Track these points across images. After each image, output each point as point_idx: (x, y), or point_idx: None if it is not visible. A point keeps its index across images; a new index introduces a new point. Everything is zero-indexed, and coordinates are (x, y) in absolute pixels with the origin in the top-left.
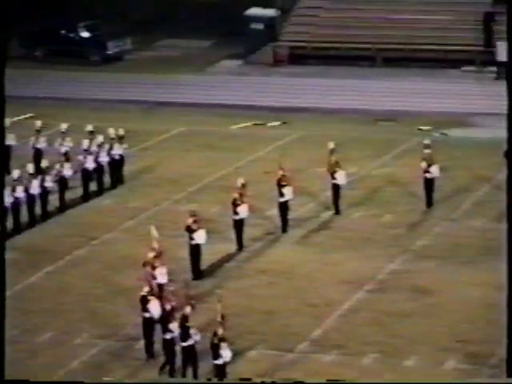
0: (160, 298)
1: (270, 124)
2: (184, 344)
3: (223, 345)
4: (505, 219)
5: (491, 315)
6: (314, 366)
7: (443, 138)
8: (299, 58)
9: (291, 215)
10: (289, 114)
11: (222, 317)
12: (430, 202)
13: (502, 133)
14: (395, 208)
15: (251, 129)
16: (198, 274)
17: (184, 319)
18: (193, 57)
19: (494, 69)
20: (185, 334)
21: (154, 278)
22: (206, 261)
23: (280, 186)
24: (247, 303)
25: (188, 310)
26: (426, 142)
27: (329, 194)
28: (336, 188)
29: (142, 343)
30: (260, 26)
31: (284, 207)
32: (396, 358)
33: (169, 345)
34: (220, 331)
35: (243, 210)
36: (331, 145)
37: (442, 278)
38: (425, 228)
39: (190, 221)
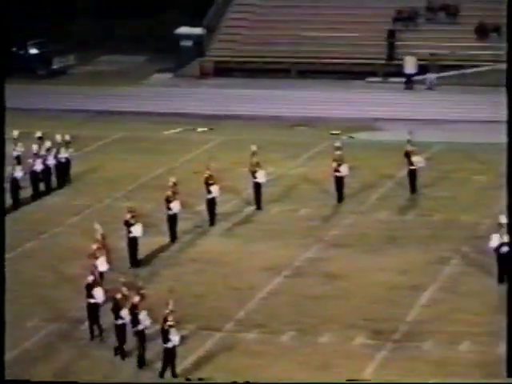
0: (101, 284)
1: (198, 130)
2: (135, 329)
3: (172, 330)
4: (406, 211)
5: (394, 297)
6: (238, 343)
7: (351, 141)
8: (224, 71)
9: (218, 210)
10: (215, 121)
11: (173, 310)
12: (340, 198)
13: (402, 136)
14: (310, 203)
15: (182, 134)
16: (135, 263)
17: (134, 307)
18: (129, 71)
19: (396, 79)
20: (135, 320)
21: (96, 267)
22: (142, 251)
23: (207, 184)
24: (179, 288)
25: (137, 298)
26: (337, 144)
27: (251, 191)
28: (257, 186)
29: (86, 325)
30: (189, 43)
31: (211, 203)
32: (311, 336)
33: (120, 330)
34: (170, 318)
35: (175, 206)
36: (253, 148)
37: (352, 264)
38: (336, 220)
39: (128, 216)
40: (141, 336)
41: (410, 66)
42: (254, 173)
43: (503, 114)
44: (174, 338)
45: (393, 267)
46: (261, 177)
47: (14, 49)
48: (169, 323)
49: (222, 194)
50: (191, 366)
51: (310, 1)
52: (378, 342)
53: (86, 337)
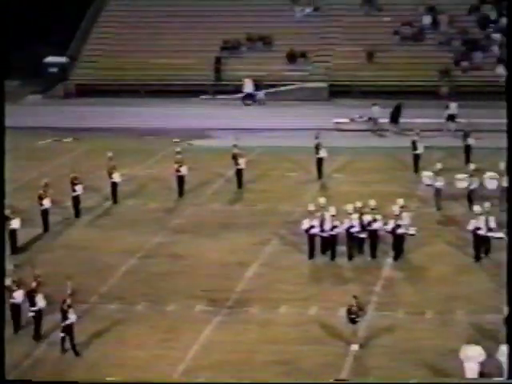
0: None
1: (65, 140)
2: (32, 309)
3: (70, 310)
4: (235, 203)
5: (226, 272)
6: (102, 313)
7: (189, 147)
8: (84, 92)
9: (82, 205)
10: (78, 133)
11: (73, 291)
12: (181, 193)
13: (230, 142)
14: (157, 198)
15: (52, 144)
16: (15, 250)
17: (31, 291)
18: (6, 93)
19: (225, 96)
20: (32, 302)
21: None
22: (21, 240)
23: (73, 184)
24: (53, 270)
25: (34, 284)
26: (177, 149)
27: (109, 189)
28: (114, 185)
29: None
30: (55, 70)
31: (76, 199)
32: (160, 305)
33: (14, 309)
34: (69, 300)
35: (47, 203)
36: (109, 154)
37: (192, 246)
38: (178, 211)
39: (7, 212)
40: (37, 315)
41: (248, 86)
42: (110, 174)
43: (309, 123)
44: (72, 317)
45: (225, 248)
46: (116, 177)
47: None
48: (67, 304)
49: (86, 191)
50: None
51: (154, 33)
52: (215, 308)
53: None
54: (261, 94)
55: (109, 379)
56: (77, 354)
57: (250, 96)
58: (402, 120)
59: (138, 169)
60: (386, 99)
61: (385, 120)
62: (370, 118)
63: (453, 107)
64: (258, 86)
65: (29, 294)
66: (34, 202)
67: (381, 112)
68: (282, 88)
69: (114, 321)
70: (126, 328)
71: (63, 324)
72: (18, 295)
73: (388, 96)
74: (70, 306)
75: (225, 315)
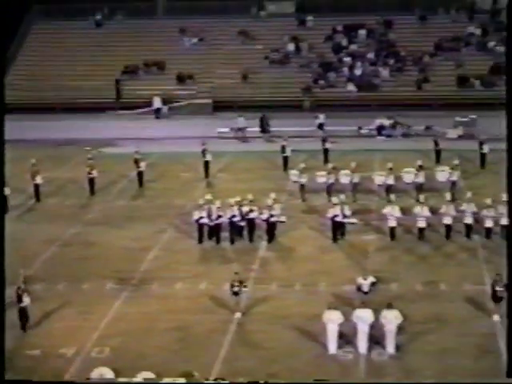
0: None
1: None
2: (20, 305)
3: (25, 294)
4: (137, 199)
5: (131, 255)
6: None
7: (99, 154)
8: (11, 110)
9: (10, 203)
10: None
11: (25, 279)
12: (92, 192)
13: (132, 149)
14: (73, 196)
15: None
16: None
17: (19, 290)
18: None
19: (127, 112)
20: (19, 300)
21: None
22: None
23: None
24: None
25: (22, 284)
26: (89, 156)
27: (32, 190)
28: (36, 186)
29: None
30: None
31: (4, 199)
32: (77, 284)
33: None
34: (22, 286)
35: None
36: (32, 160)
37: (103, 236)
38: (90, 207)
39: None
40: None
41: (157, 102)
42: (33, 177)
43: (197, 133)
44: (26, 300)
45: (130, 236)
46: (39, 180)
47: None
48: (22, 289)
49: (13, 192)
50: None
51: (69, 60)
52: (122, 286)
53: None
54: (165, 109)
55: (35, 351)
56: (25, 330)
57: (158, 110)
58: (271, 129)
59: (56, 173)
60: (259, 112)
61: (253, 129)
62: (238, 128)
63: (321, 117)
64: (164, 102)
65: (17, 293)
66: None
67: (246, 122)
68: (175, 104)
69: (38, 298)
70: (49, 304)
71: (19, 306)
72: (27, 299)
73: (261, 109)
74: (24, 291)
75: (131, 291)
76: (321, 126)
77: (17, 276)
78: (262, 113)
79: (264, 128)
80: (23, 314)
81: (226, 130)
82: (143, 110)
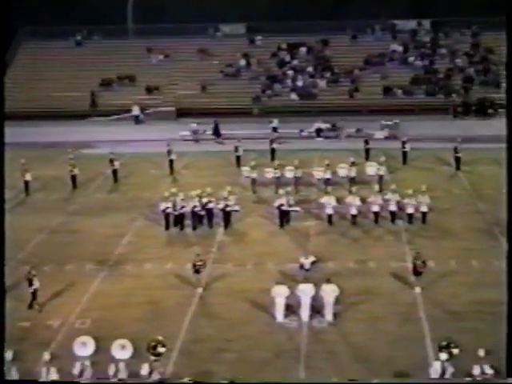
0: None
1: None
2: (31, 289)
3: (35, 278)
4: (113, 192)
5: (108, 241)
6: (19, 273)
7: (79, 154)
8: None
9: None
10: None
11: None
12: (74, 187)
13: (108, 150)
14: (57, 191)
15: None
16: None
17: (29, 274)
18: None
19: (102, 118)
20: (30, 283)
21: None
22: None
23: None
24: None
25: (31, 270)
26: (71, 156)
27: (22, 186)
28: (26, 183)
29: None
30: None
31: None
32: (61, 266)
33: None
34: (33, 272)
35: None
36: (22, 160)
37: (84, 224)
38: (73, 200)
39: None
40: (34, 292)
41: (135, 109)
42: (23, 175)
43: (163, 136)
44: (36, 283)
45: (107, 224)
46: (28, 177)
47: None
48: (32, 274)
49: (6, 188)
50: None
51: (53, 74)
52: (100, 267)
53: None
54: (141, 116)
55: (25, 323)
56: (31, 307)
57: (137, 117)
58: (224, 132)
59: (42, 171)
60: (215, 118)
61: (209, 132)
62: (193, 131)
63: (275, 122)
64: (142, 110)
65: (28, 277)
66: None
67: (198, 127)
68: (146, 111)
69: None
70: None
71: (30, 289)
72: (37, 283)
73: (217, 116)
74: (34, 275)
75: (108, 271)
76: (275, 129)
77: (8, 259)
78: (214, 119)
79: (216, 132)
80: (34, 295)
81: (187, 133)
82: (119, 116)
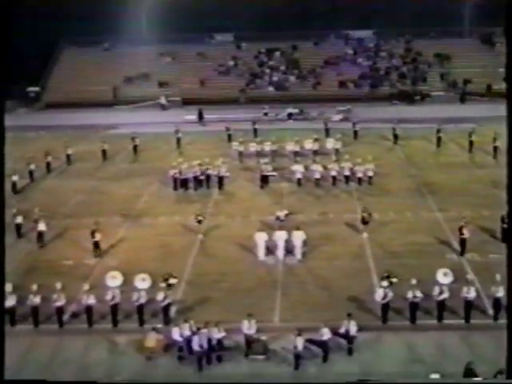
0: None
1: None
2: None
3: (40, 220)
4: (134, 162)
5: (129, 199)
6: (60, 224)
7: (109, 133)
8: (50, 106)
9: (51, 166)
10: (48, 128)
11: (39, 213)
12: (104, 159)
13: (143, 130)
14: (91, 162)
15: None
16: (15, 192)
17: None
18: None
19: (143, 104)
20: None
21: None
22: (19, 186)
23: (46, 156)
24: (36, 202)
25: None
26: (101, 135)
27: (65, 158)
28: (68, 156)
29: None
30: (33, 94)
31: (48, 164)
32: (95, 218)
33: (40, 235)
34: (38, 214)
35: (33, 167)
36: (65, 139)
37: (110, 187)
38: (103, 169)
39: (15, 178)
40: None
41: (162, 99)
42: (66, 150)
43: (172, 119)
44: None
45: (130, 187)
46: (70, 151)
47: None
48: (95, 227)
49: (53, 159)
50: None
51: (89, 73)
52: (124, 219)
53: None
54: (167, 104)
55: (69, 261)
56: (42, 246)
57: (163, 105)
58: (218, 116)
59: (80, 146)
60: (211, 105)
61: (209, 116)
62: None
63: (267, 108)
64: (167, 99)
65: (92, 230)
66: (23, 167)
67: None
68: (157, 101)
69: (67, 228)
70: (78, 231)
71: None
72: (42, 225)
73: (212, 104)
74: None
75: (130, 222)
76: (266, 114)
77: (55, 213)
78: (199, 107)
79: (200, 117)
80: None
81: (191, 117)
82: (144, 103)
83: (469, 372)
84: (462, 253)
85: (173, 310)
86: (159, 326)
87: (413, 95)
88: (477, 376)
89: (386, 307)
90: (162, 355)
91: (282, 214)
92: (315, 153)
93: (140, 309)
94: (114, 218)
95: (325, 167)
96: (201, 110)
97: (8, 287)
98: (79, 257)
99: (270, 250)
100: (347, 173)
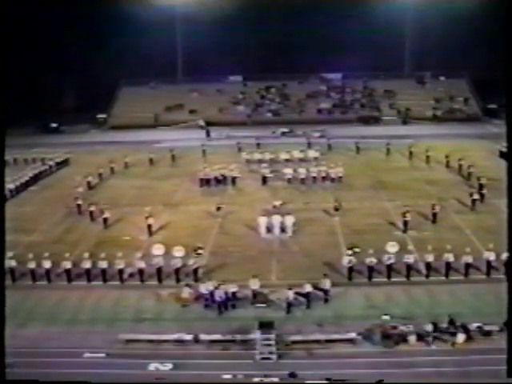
0: None
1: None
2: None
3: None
4: (171, 167)
5: (168, 193)
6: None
7: (155, 147)
8: (115, 128)
9: (116, 170)
10: (112, 144)
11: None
12: (151, 164)
13: (177, 145)
14: (141, 166)
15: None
16: None
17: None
18: (84, 130)
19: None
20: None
21: None
22: None
23: (110, 162)
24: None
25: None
26: (150, 149)
27: (123, 164)
28: (126, 163)
29: None
30: (102, 119)
31: (112, 169)
32: (139, 207)
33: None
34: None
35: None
36: (124, 152)
37: (153, 184)
38: (151, 171)
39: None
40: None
41: (201, 122)
42: (124, 159)
43: (193, 136)
44: (150, 220)
45: (169, 184)
46: (127, 159)
47: None
48: (149, 215)
49: (117, 165)
50: None
51: (140, 105)
52: (166, 207)
53: None
54: (204, 125)
55: (127, 237)
56: (107, 227)
57: (201, 126)
58: (232, 134)
59: (134, 156)
60: (226, 126)
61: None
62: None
63: (281, 129)
64: (207, 123)
65: (146, 216)
66: (94, 170)
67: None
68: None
69: (130, 213)
70: (133, 216)
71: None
72: (107, 213)
73: (227, 126)
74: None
75: (170, 210)
76: (283, 133)
77: (117, 204)
78: (207, 128)
79: (208, 134)
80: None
81: (214, 135)
82: (185, 124)
83: (451, 321)
84: (404, 231)
85: (200, 272)
86: (191, 283)
87: (369, 119)
88: (455, 323)
89: (350, 269)
90: (192, 304)
91: (277, 203)
92: (301, 160)
93: (177, 271)
94: (158, 206)
95: (308, 170)
96: (208, 130)
97: (85, 255)
98: (134, 234)
99: (269, 229)
100: (323, 174)
